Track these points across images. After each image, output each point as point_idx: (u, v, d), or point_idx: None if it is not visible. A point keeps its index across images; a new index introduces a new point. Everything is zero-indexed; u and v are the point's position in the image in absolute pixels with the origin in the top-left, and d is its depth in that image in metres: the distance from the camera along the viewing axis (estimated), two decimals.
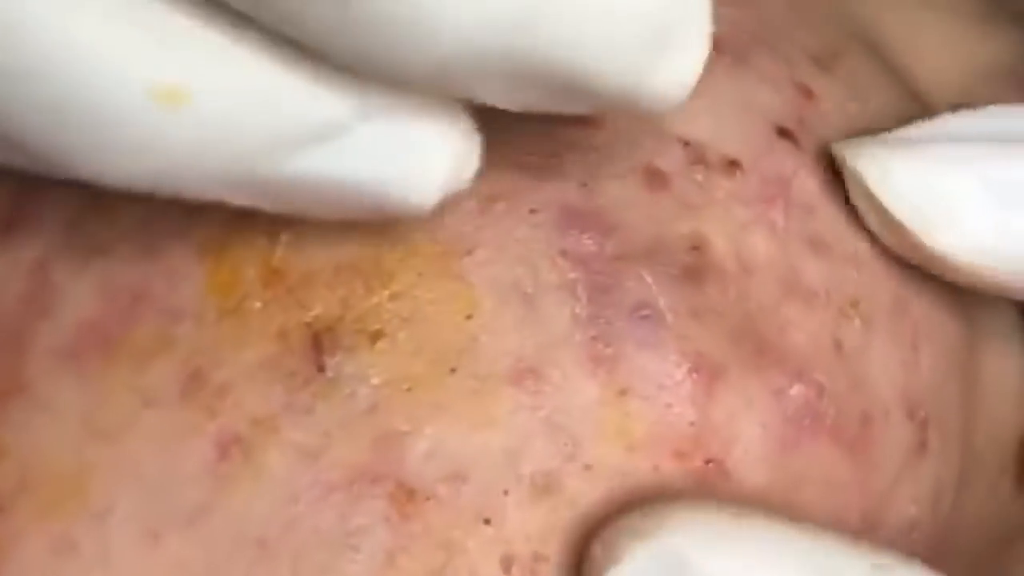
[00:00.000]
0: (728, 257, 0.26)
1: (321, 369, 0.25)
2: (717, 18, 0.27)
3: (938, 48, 0.31)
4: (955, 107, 0.28)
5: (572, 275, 0.25)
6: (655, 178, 0.27)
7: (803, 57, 0.29)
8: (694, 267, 0.26)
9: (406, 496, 0.25)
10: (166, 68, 0.19)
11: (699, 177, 0.27)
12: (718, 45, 0.27)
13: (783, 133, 0.27)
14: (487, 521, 0.25)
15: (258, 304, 0.25)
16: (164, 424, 0.25)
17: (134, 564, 0.25)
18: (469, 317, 0.25)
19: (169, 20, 0.19)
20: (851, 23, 0.31)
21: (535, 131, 0.26)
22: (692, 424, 0.25)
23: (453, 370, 0.25)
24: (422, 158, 0.22)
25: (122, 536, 0.25)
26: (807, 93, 0.28)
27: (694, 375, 0.25)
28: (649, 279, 0.26)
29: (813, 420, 0.26)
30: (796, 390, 0.26)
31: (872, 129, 0.28)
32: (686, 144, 0.27)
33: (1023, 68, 0.31)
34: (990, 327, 0.31)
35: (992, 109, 0.28)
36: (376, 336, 0.25)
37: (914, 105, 0.30)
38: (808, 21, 0.30)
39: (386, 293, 0.25)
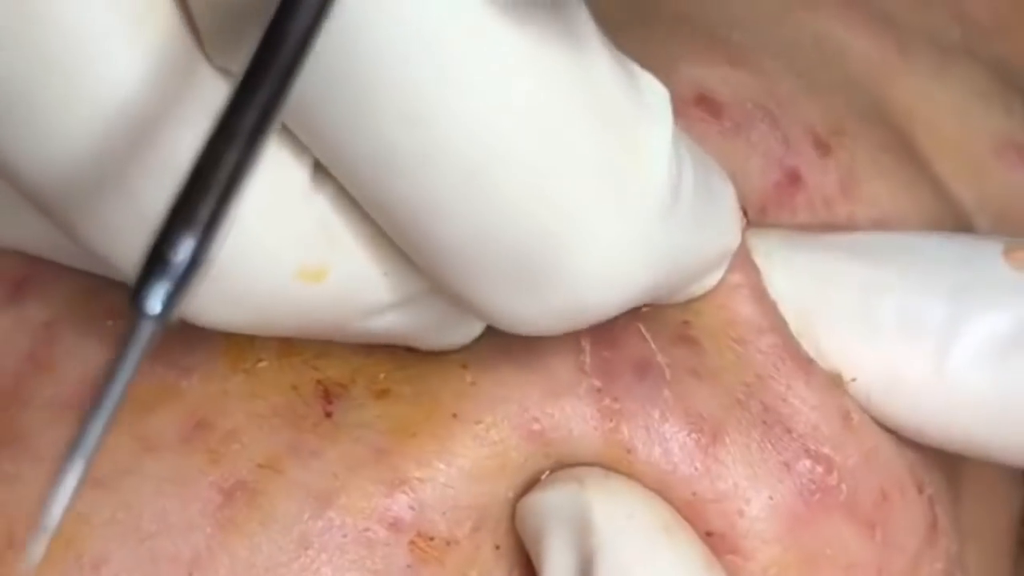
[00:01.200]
0: (718, 326, 0.26)
1: (329, 415, 0.25)
2: (722, 79, 0.28)
3: (948, 119, 0.31)
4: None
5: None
6: None
7: (802, 135, 0.29)
8: (687, 334, 0.25)
9: (425, 543, 0.24)
10: (317, 253, 0.22)
11: None
12: (719, 109, 0.28)
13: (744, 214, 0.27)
14: (498, 547, 0.25)
15: (272, 366, 0.25)
16: (164, 470, 0.24)
17: None
18: (465, 367, 0.25)
19: (313, 206, 0.22)
20: (859, 91, 0.31)
21: None
22: (694, 495, 0.25)
23: (455, 415, 0.24)
24: (451, 326, 0.24)
25: None
26: (794, 178, 0.28)
27: (695, 436, 0.25)
28: (648, 336, 0.25)
29: (824, 495, 0.25)
30: (803, 464, 0.25)
31: (843, 224, 0.28)
32: None
33: None
34: None
35: (909, 237, 0.27)
36: (383, 394, 0.25)
37: (916, 185, 0.30)
38: (815, 88, 0.30)
39: (395, 363, 0.25)
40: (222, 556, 0.23)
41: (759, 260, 0.26)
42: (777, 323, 0.26)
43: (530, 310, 0.22)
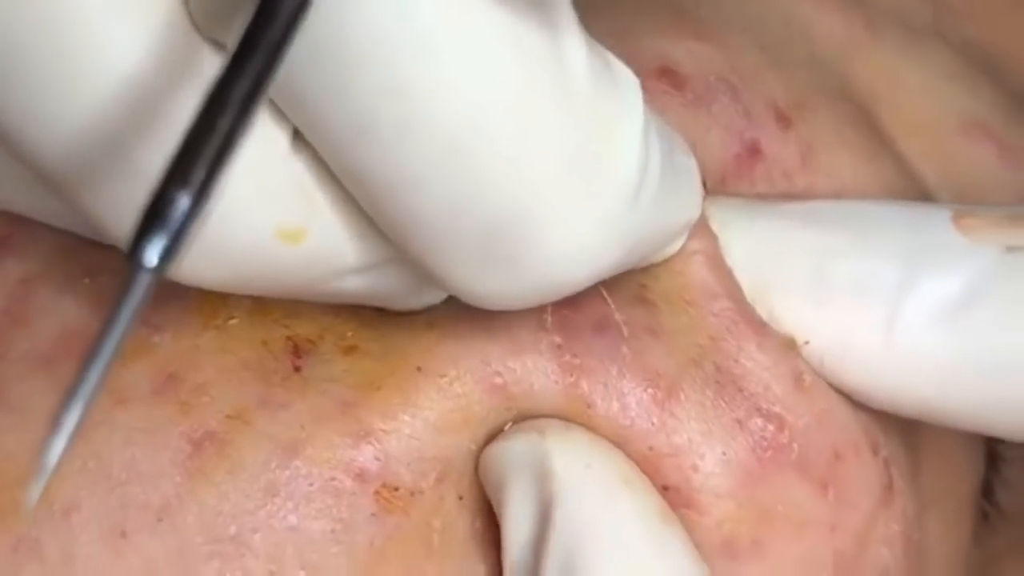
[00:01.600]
0: (674, 290, 0.27)
1: (297, 369, 0.25)
2: (687, 52, 0.29)
3: (913, 97, 0.32)
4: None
5: None
6: None
7: (763, 109, 0.29)
8: (644, 296, 0.26)
9: (390, 493, 0.25)
10: (296, 214, 0.22)
11: None
12: (682, 81, 0.29)
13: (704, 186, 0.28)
14: (461, 497, 0.25)
15: (243, 323, 0.26)
16: (135, 420, 0.25)
17: (99, 563, 0.24)
18: (430, 325, 0.26)
19: (293, 169, 0.22)
20: (824, 68, 0.31)
21: None
22: (651, 449, 0.26)
23: (419, 368, 0.25)
24: (420, 289, 0.25)
25: (87, 535, 0.24)
26: (754, 150, 0.29)
27: (651, 392, 0.26)
28: (607, 296, 0.26)
29: (776, 452, 0.26)
30: (755, 422, 0.26)
31: (801, 195, 0.29)
32: None
33: (995, 122, 0.32)
34: None
35: (839, 204, 0.28)
36: (350, 351, 0.26)
37: (878, 159, 0.30)
38: (779, 63, 0.30)
39: (361, 320, 0.26)
40: (191, 503, 0.24)
41: (716, 227, 0.27)
42: (731, 288, 0.26)
43: (497, 285, 0.23)
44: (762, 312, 0.26)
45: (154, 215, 0.17)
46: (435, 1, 0.20)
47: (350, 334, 0.26)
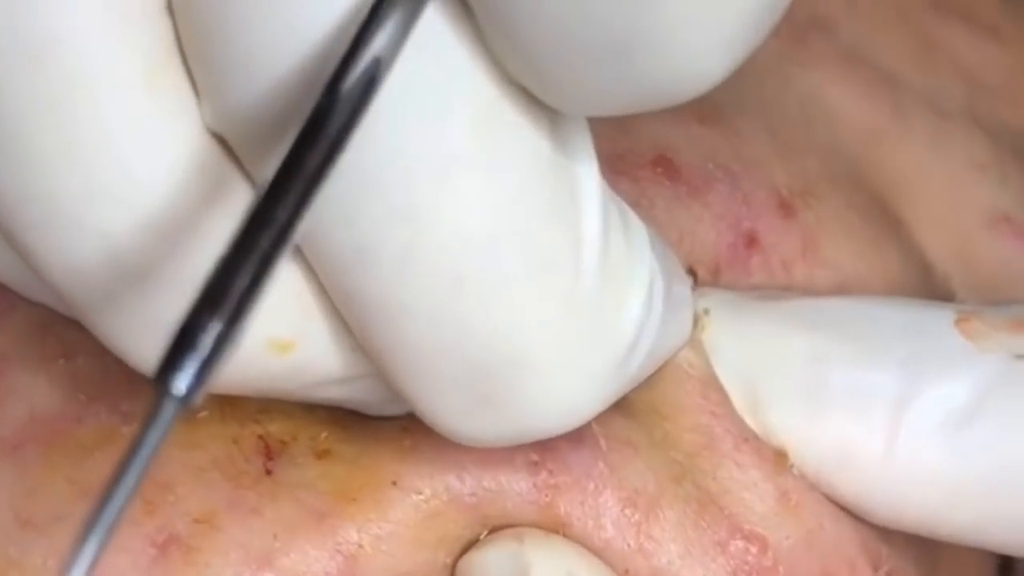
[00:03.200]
0: (653, 402, 0.26)
1: (269, 472, 0.25)
2: (688, 138, 0.28)
3: (938, 190, 0.31)
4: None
5: None
6: None
7: (765, 197, 0.28)
8: (624, 407, 0.25)
9: None
10: (288, 326, 0.22)
11: None
12: (678, 172, 0.28)
13: (692, 274, 0.27)
14: None
15: (214, 416, 0.25)
16: None
17: None
18: (405, 430, 0.25)
19: (292, 277, 0.22)
20: (839, 156, 0.30)
21: None
22: (627, 572, 0.25)
23: (394, 483, 0.25)
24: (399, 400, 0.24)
25: None
26: (750, 240, 0.28)
27: (628, 512, 0.25)
28: None
29: (760, 575, 0.25)
30: (736, 544, 0.25)
31: (801, 287, 0.28)
32: None
33: (1023, 215, 0.31)
34: None
35: (834, 302, 0.27)
36: (324, 454, 0.25)
37: (884, 250, 0.29)
38: (790, 150, 0.29)
39: (338, 426, 0.25)
40: None
41: (706, 328, 0.26)
42: (715, 399, 0.26)
43: (476, 424, 0.22)
44: (753, 423, 0.26)
45: (184, 342, 0.16)
46: (466, 127, 0.20)
47: (324, 435, 0.25)
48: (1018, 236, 0.31)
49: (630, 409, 0.26)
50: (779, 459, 0.26)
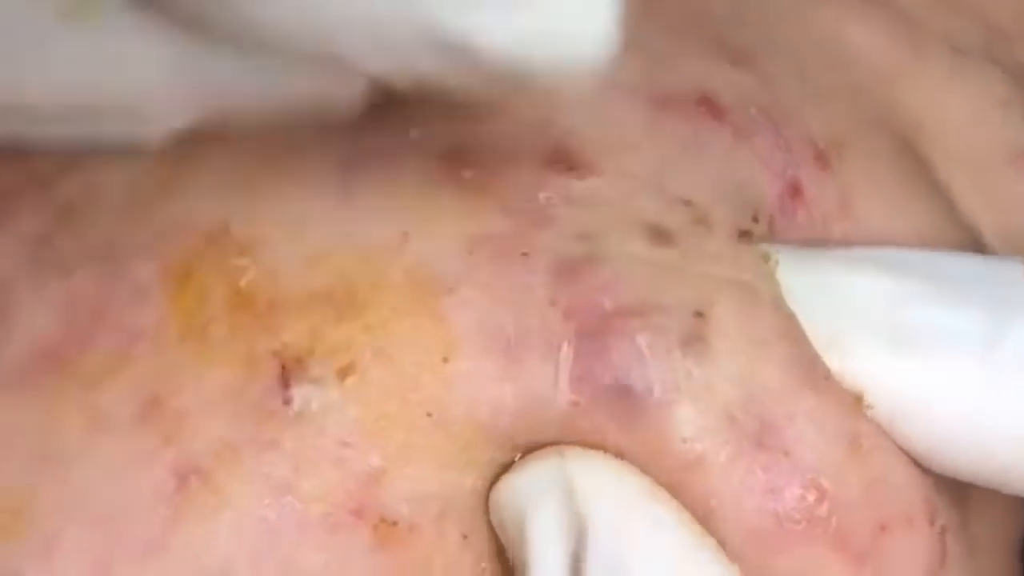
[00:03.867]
0: (736, 328, 0.24)
1: (287, 402, 0.24)
2: (725, 81, 0.27)
3: (959, 126, 0.30)
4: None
5: (561, 327, 0.24)
6: (659, 235, 0.25)
7: (804, 147, 0.27)
8: (696, 335, 0.24)
9: (388, 528, 0.24)
10: None
11: (705, 236, 0.25)
12: (721, 113, 0.27)
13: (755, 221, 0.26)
14: (465, 537, 0.24)
15: (223, 328, 0.24)
16: (117, 450, 0.24)
17: None
18: (446, 360, 0.24)
19: None
20: (864, 97, 0.29)
21: (527, 179, 0.25)
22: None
23: (429, 414, 0.24)
24: None
25: (69, 568, 0.23)
26: (795, 191, 0.27)
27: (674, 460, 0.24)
28: (643, 344, 0.24)
29: (809, 525, 0.24)
30: (792, 492, 0.24)
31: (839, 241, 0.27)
32: (688, 203, 0.26)
33: None
34: None
35: (907, 252, 0.26)
36: (347, 370, 0.24)
37: (913, 206, 0.28)
38: (818, 94, 0.28)
39: (358, 324, 0.24)
40: (178, 538, 0.23)
41: (779, 273, 0.25)
42: (793, 334, 0.25)
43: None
44: (831, 364, 0.24)
45: None
46: None
47: (344, 345, 0.24)
48: None
49: (706, 337, 0.24)
50: (856, 402, 0.25)
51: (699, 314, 0.24)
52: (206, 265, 0.25)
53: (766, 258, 0.25)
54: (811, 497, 0.24)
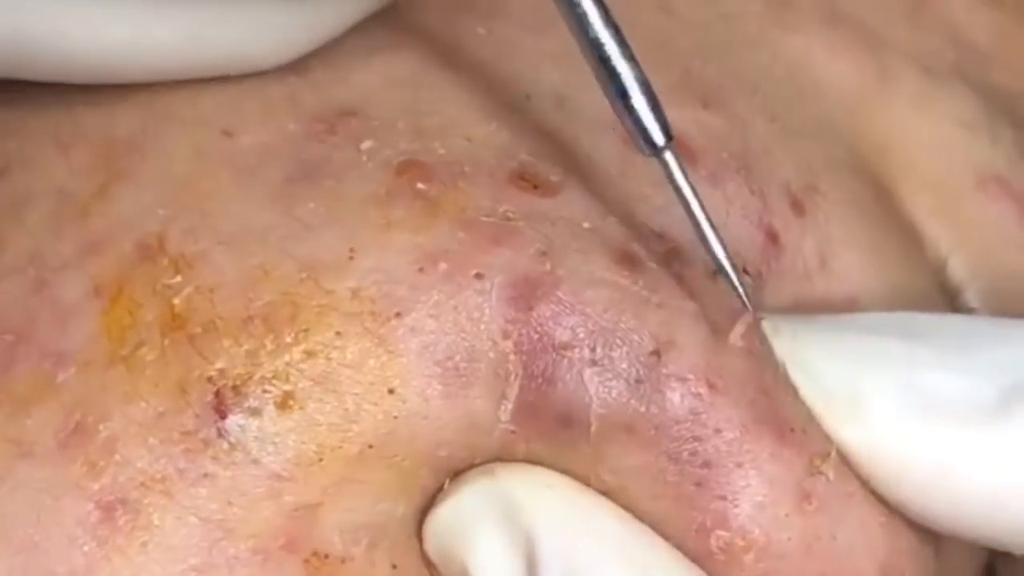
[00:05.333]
0: (693, 368, 0.24)
1: (222, 433, 0.23)
2: (696, 123, 0.26)
3: (925, 151, 0.29)
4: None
5: (511, 358, 0.23)
6: (628, 260, 0.24)
7: (778, 194, 0.26)
8: (646, 373, 0.23)
9: (320, 560, 0.23)
10: None
11: (676, 267, 0.24)
12: (696, 156, 0.26)
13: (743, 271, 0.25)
14: (395, 567, 0.23)
15: (155, 352, 0.23)
16: (40, 478, 0.23)
17: None
18: (391, 391, 0.23)
19: None
20: (832, 132, 0.29)
21: (487, 192, 0.24)
22: None
23: (370, 446, 0.23)
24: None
25: None
26: (773, 238, 0.26)
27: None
28: (589, 383, 0.23)
29: (735, 572, 0.23)
30: (719, 536, 0.23)
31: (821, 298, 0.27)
32: (660, 236, 0.25)
33: (1015, 176, 0.30)
34: None
35: (914, 316, 0.26)
36: (285, 399, 0.23)
37: (884, 246, 0.28)
38: (788, 132, 0.28)
39: (299, 350, 0.23)
40: (103, 574, 0.22)
41: (779, 342, 0.24)
42: (760, 382, 0.24)
43: None
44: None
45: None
46: None
47: (283, 373, 0.23)
48: (1009, 197, 0.30)
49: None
50: (820, 460, 0.24)
51: (655, 352, 0.23)
52: (138, 283, 0.23)
53: (775, 332, 0.24)
54: (739, 543, 0.23)
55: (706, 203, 0.24)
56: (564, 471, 0.24)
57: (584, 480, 0.24)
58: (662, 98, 0.24)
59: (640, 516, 0.23)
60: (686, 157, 0.25)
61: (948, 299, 0.29)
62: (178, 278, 0.23)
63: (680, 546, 0.23)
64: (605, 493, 0.24)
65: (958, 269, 0.29)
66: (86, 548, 0.22)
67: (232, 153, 0.25)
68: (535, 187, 0.24)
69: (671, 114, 0.24)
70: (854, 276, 0.27)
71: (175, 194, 0.24)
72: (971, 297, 0.29)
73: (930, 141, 0.30)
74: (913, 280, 0.28)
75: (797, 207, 0.27)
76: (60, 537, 0.22)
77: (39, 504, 0.22)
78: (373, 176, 0.24)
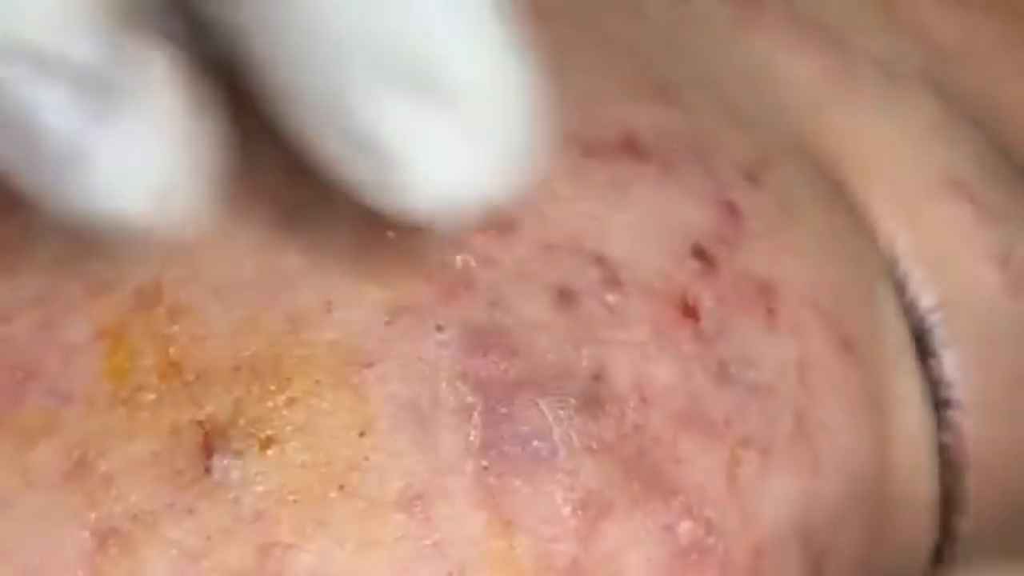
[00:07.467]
0: (629, 387, 0.26)
1: (208, 471, 0.25)
2: (646, 118, 0.28)
3: (883, 153, 0.31)
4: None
5: (471, 399, 0.25)
6: (565, 299, 0.26)
7: (731, 169, 0.28)
8: (594, 398, 0.26)
9: None
10: None
11: (610, 299, 0.27)
12: (644, 153, 0.28)
13: (700, 255, 0.27)
14: None
15: (151, 396, 0.25)
16: (43, 506, 0.25)
17: None
18: (362, 434, 0.25)
19: None
20: (784, 125, 0.30)
21: (447, 242, 0.26)
22: (575, 561, 0.25)
23: (341, 487, 0.25)
24: None
25: None
26: (732, 210, 0.28)
27: (579, 512, 0.25)
28: (546, 409, 0.26)
29: (701, 554, 0.26)
30: (684, 526, 0.26)
31: (797, 247, 0.28)
32: (600, 261, 0.27)
33: (972, 178, 0.31)
34: (901, 442, 0.30)
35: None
36: (267, 443, 0.25)
37: (847, 219, 0.29)
38: (738, 123, 0.29)
39: (282, 398, 0.25)
40: None
41: None
42: (685, 388, 0.26)
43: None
44: None
45: None
46: None
47: (267, 418, 0.25)
48: (968, 200, 0.31)
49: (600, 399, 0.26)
50: (738, 444, 0.27)
51: (596, 377, 0.26)
52: (138, 330, 0.25)
53: None
54: (700, 529, 0.26)
55: (659, 193, 0.27)
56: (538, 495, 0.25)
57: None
58: (614, 98, 0.26)
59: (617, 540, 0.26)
60: (636, 154, 0.27)
61: (898, 295, 0.30)
62: (175, 327, 0.26)
63: (648, 536, 0.26)
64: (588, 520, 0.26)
65: (912, 269, 0.30)
66: (80, 573, 0.24)
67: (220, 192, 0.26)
68: (492, 225, 0.27)
69: (622, 111, 0.27)
70: (819, 225, 0.28)
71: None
72: (925, 297, 0.30)
73: (890, 143, 0.31)
74: (862, 257, 0.29)
75: (751, 178, 0.28)
76: (58, 561, 0.24)
77: (40, 530, 0.24)
78: (351, 221, 0.26)
